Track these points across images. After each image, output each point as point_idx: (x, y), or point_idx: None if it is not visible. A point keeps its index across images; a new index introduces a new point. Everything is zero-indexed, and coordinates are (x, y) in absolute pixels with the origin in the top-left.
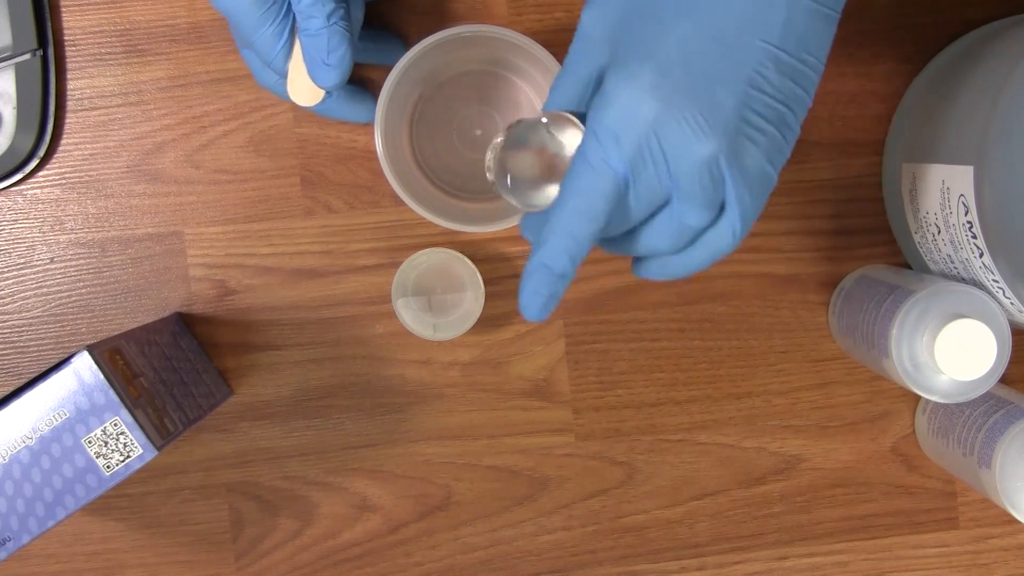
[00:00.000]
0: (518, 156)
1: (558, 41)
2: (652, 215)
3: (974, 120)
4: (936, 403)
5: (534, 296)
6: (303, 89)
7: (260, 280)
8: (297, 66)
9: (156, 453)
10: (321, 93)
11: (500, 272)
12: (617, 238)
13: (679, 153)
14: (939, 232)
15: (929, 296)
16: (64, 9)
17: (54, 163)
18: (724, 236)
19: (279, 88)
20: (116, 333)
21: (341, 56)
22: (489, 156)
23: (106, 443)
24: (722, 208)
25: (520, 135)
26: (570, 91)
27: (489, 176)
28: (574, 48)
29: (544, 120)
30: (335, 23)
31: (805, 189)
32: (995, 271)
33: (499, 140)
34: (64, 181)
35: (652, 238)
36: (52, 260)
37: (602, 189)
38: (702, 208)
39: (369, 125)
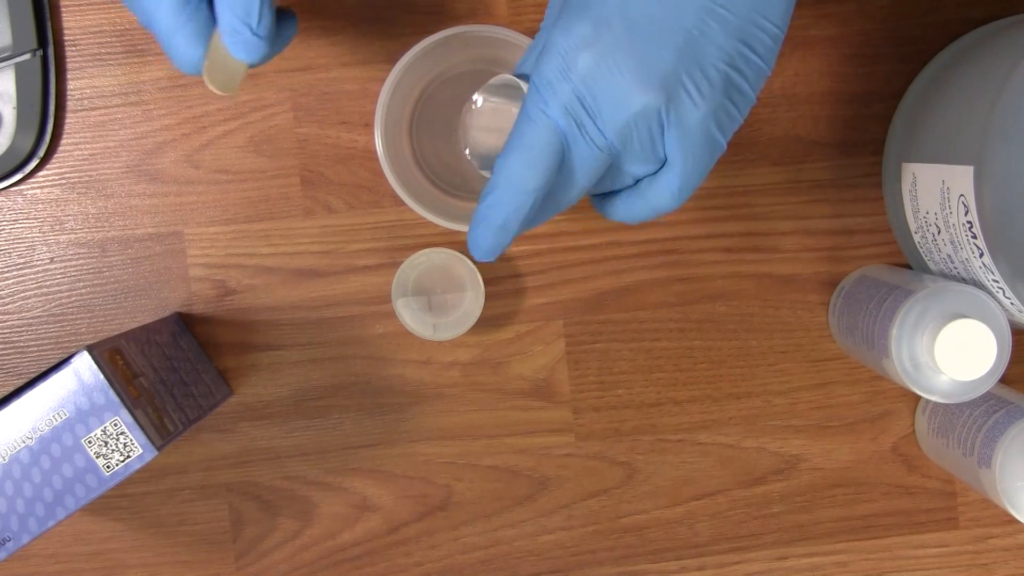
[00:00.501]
0: (474, 129)
1: None
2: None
3: (974, 120)
4: (936, 403)
5: (477, 245)
6: (222, 75)
7: (260, 280)
8: (215, 50)
9: (156, 453)
10: (240, 78)
11: (500, 272)
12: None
13: (613, 105)
14: (939, 232)
15: (929, 296)
16: (64, 9)
17: (54, 163)
18: (663, 194)
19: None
20: (116, 333)
21: (269, 22)
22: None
23: (106, 443)
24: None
25: (470, 108)
26: (529, 58)
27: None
28: (544, 21)
29: (486, 89)
30: None
31: (805, 189)
32: (995, 271)
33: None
34: (64, 181)
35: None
36: (52, 260)
37: (542, 140)
38: (640, 161)
39: (369, 126)
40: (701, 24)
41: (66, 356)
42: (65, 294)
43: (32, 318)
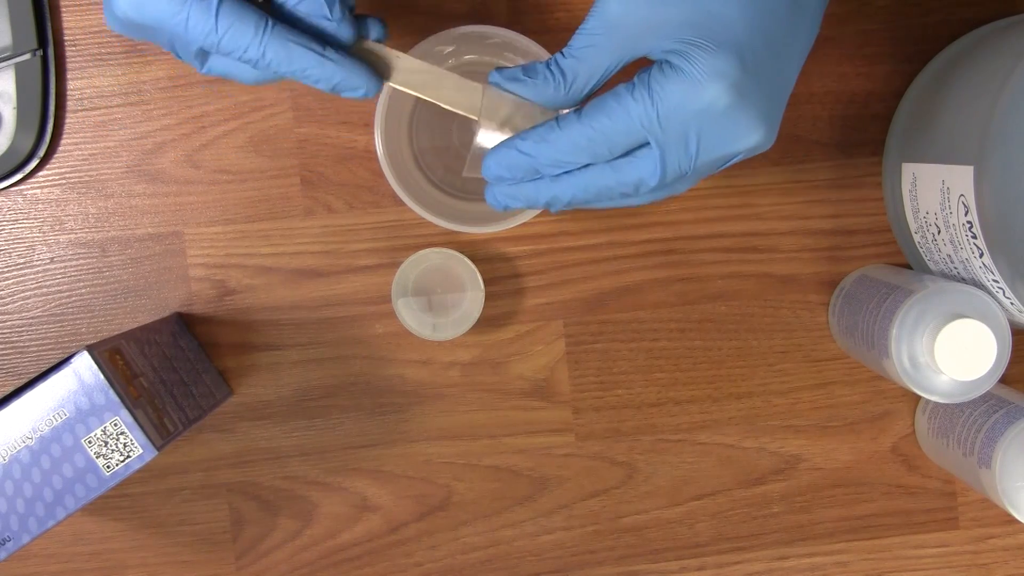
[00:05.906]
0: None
1: (558, 41)
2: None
3: (974, 120)
4: (936, 403)
5: (491, 162)
6: None
7: (260, 280)
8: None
9: (156, 453)
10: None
11: (500, 272)
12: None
13: (722, 139)
14: (939, 232)
15: (929, 296)
16: (64, 9)
17: (54, 163)
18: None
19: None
20: (116, 333)
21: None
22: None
23: (106, 443)
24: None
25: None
26: (552, 85)
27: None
28: (597, 29)
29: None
30: None
31: (805, 189)
32: (995, 271)
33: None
34: (64, 181)
35: (628, 183)
36: (52, 260)
37: (619, 137)
38: (691, 184)
39: (369, 126)
40: (792, 73)
41: (66, 356)
42: (65, 294)
43: (32, 318)
